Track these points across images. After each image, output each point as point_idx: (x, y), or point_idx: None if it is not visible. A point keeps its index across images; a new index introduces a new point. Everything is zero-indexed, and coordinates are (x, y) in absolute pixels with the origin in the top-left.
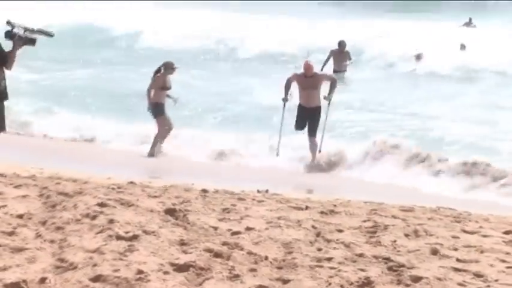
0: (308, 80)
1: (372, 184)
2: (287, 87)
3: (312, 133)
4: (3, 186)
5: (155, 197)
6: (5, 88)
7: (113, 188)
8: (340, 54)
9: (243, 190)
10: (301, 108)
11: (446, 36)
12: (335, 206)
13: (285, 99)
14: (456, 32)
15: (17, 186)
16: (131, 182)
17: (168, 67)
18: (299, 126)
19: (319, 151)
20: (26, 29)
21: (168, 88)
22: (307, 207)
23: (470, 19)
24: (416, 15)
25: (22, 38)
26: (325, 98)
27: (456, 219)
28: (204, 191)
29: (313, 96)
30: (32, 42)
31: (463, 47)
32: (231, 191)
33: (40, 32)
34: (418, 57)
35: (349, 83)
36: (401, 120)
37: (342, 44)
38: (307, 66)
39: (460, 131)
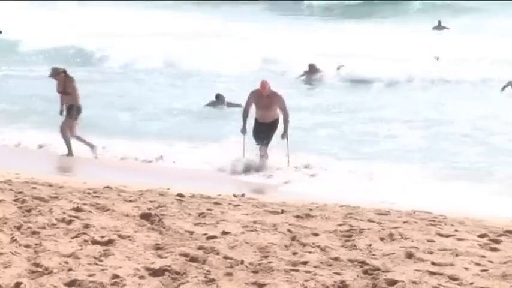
0: (264, 99)
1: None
2: (245, 115)
3: (265, 143)
4: None
5: (131, 201)
6: None
7: (89, 193)
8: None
9: (219, 194)
10: (257, 124)
11: (415, 42)
12: (311, 210)
13: (243, 131)
14: (424, 37)
15: None
16: (107, 187)
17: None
18: (258, 138)
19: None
20: None
21: (61, 92)
22: (283, 211)
23: (439, 22)
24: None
25: None
26: (282, 137)
27: (431, 222)
28: (180, 195)
29: (269, 114)
30: None
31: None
32: (207, 196)
33: None
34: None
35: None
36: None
37: (312, 68)
38: (263, 86)
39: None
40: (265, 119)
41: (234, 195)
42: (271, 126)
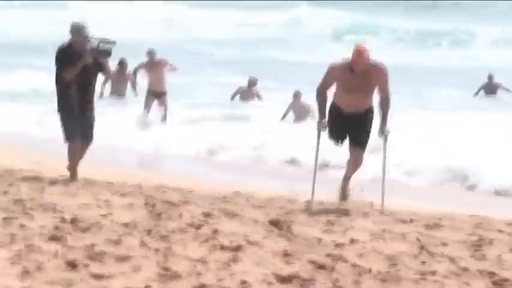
0: (356, 77)
1: None
2: (322, 100)
3: (357, 141)
4: (110, 194)
5: (260, 207)
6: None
7: (218, 198)
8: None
9: (352, 201)
10: (338, 112)
11: None
12: (440, 219)
13: (320, 125)
14: None
15: (123, 195)
16: (236, 192)
17: None
18: (336, 135)
19: (381, 211)
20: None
21: None
22: (411, 220)
23: None
24: None
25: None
26: (380, 133)
27: None
28: (308, 202)
29: (361, 101)
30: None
31: None
32: (336, 203)
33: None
34: None
35: None
36: None
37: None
38: (360, 54)
39: None
40: (355, 106)
41: (364, 204)
42: (364, 115)
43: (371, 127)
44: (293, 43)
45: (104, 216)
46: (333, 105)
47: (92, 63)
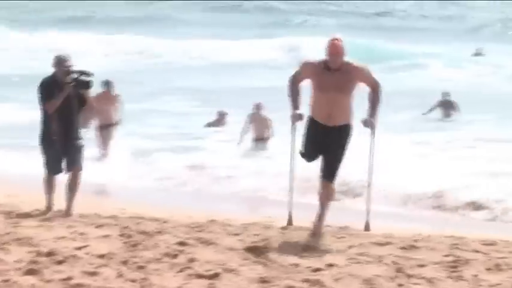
0: (332, 75)
1: None
2: (294, 90)
3: (329, 173)
4: (85, 226)
5: (235, 234)
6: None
7: (193, 227)
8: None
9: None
10: (314, 126)
11: None
12: (416, 241)
13: (294, 117)
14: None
15: (99, 226)
16: (212, 220)
17: None
18: (311, 154)
19: (367, 228)
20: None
21: None
22: (388, 243)
23: (480, 48)
24: None
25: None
26: (364, 122)
27: None
28: (284, 228)
29: (338, 105)
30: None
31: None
32: (312, 228)
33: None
34: None
35: None
36: None
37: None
38: (334, 47)
39: None
40: (332, 117)
41: (340, 228)
42: (342, 135)
43: (346, 147)
44: (265, 69)
45: (80, 248)
46: (310, 121)
47: (74, 95)
